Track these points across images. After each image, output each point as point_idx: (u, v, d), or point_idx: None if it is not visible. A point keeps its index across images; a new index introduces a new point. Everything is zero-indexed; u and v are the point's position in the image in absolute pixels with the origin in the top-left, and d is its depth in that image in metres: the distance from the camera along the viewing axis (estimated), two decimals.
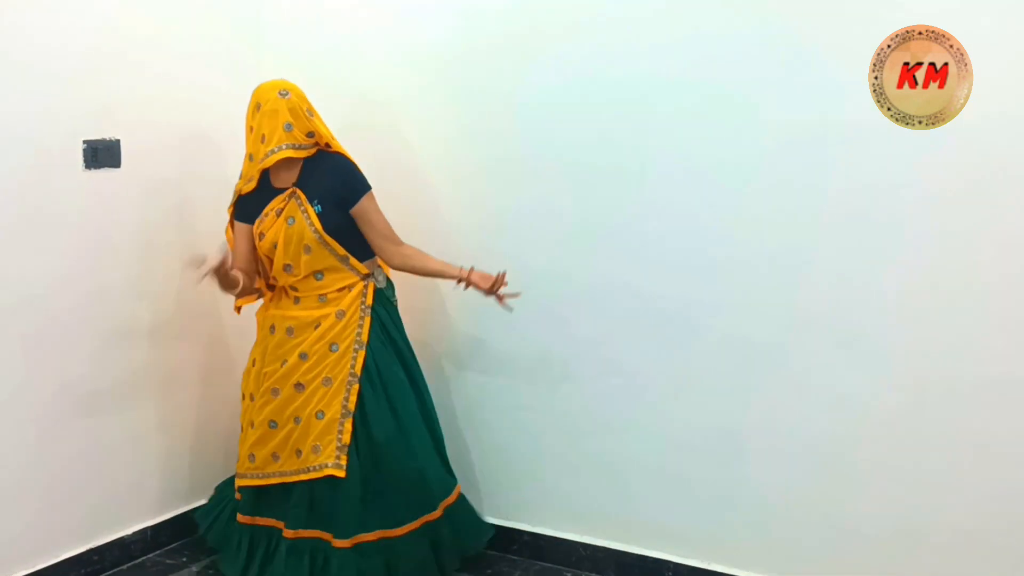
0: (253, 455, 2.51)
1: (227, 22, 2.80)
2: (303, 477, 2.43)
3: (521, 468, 2.77)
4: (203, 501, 2.81)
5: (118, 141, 2.48)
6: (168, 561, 2.74)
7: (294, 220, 2.37)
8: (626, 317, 2.56)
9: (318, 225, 2.38)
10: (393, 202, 2.54)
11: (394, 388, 2.48)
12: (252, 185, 2.42)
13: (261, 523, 2.53)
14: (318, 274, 2.45)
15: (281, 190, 2.41)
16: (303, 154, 2.38)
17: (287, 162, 2.39)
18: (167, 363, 2.75)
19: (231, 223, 2.53)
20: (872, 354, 2.30)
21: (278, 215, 2.40)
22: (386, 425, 2.44)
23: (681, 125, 2.42)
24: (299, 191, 2.39)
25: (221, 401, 2.91)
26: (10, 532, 2.36)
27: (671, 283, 2.49)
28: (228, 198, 2.55)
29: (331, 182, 2.40)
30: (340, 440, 2.40)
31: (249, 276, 2.51)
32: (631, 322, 2.56)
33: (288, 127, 2.34)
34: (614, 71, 2.47)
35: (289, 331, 2.46)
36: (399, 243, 2.50)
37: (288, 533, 2.45)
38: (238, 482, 2.57)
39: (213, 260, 2.26)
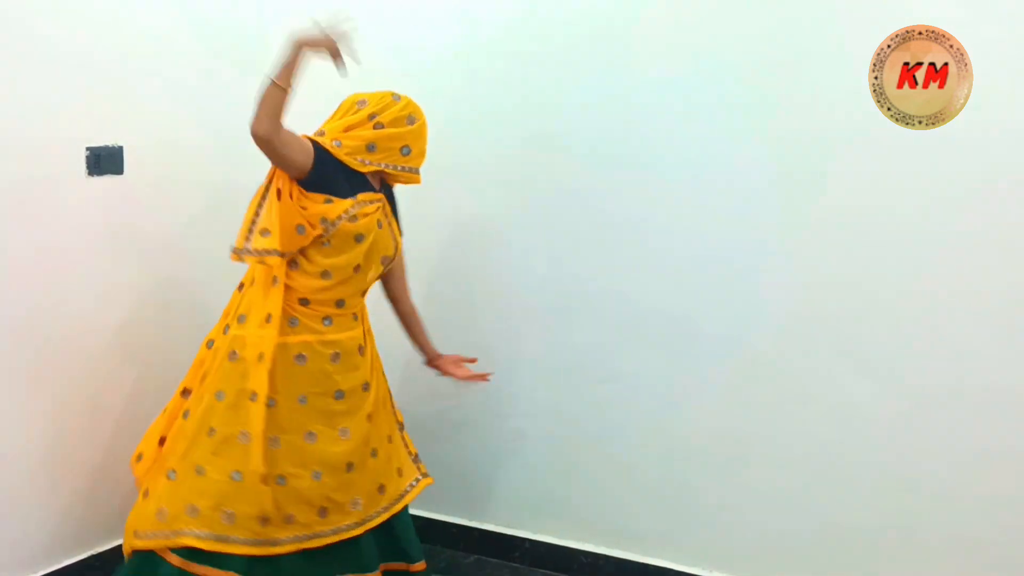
0: (292, 515, 2.13)
1: (231, 29, 2.82)
2: (401, 504, 2.33)
3: (522, 475, 2.75)
4: None
5: (121, 148, 2.50)
6: None
7: (382, 225, 2.23)
8: (627, 324, 2.55)
9: (399, 240, 2.30)
10: None
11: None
12: (365, 167, 2.18)
13: None
14: (365, 291, 2.29)
15: (371, 187, 2.23)
16: (402, 180, 2.28)
17: (378, 174, 2.25)
18: (171, 370, 2.75)
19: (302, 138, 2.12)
20: (873, 361, 2.28)
21: (375, 210, 2.21)
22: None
23: (681, 130, 2.42)
24: (386, 202, 2.26)
25: None
26: (12, 536, 2.37)
27: (672, 290, 2.48)
28: (230, 205, 2.55)
29: (395, 209, 2.32)
30: (410, 451, 2.41)
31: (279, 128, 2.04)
32: (632, 329, 2.54)
33: (406, 151, 2.23)
34: (615, 77, 2.46)
35: (335, 357, 2.18)
36: (408, 291, 2.46)
37: None
38: (265, 551, 2.10)
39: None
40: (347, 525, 2.21)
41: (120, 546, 2.58)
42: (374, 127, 2.19)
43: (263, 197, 2.14)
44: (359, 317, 2.28)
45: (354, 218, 2.14)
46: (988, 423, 2.18)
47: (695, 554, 2.54)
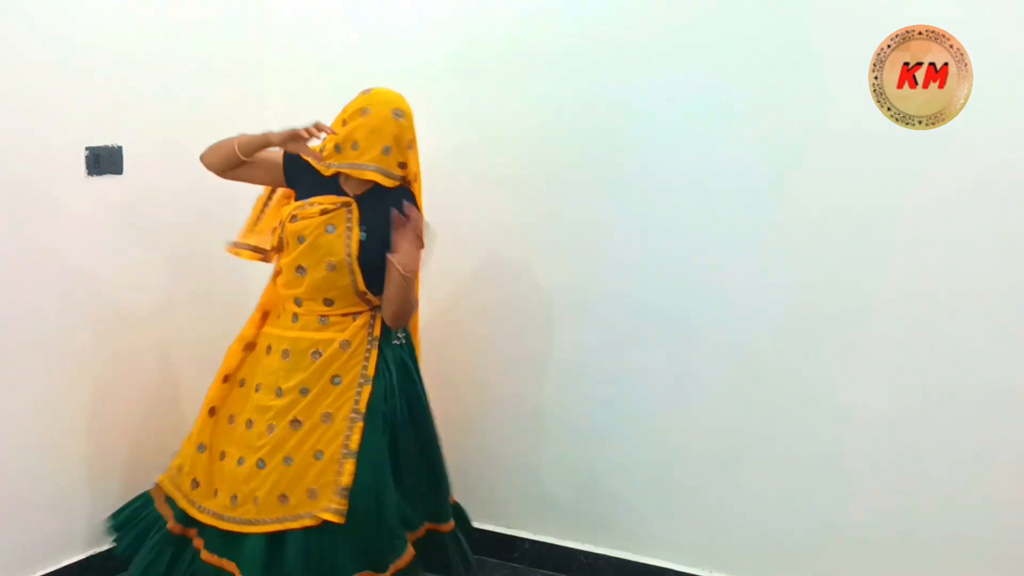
0: (218, 490, 2.24)
1: (231, 29, 2.82)
2: (290, 525, 2.12)
3: (522, 476, 2.75)
4: None
5: (120, 147, 2.50)
6: None
7: (334, 229, 2.18)
8: (627, 325, 2.55)
9: (355, 249, 2.17)
10: None
11: (384, 430, 2.24)
12: (327, 171, 2.19)
13: (216, 563, 2.21)
14: (328, 301, 2.22)
15: (340, 191, 2.21)
16: (389, 183, 2.17)
17: (361, 179, 2.19)
18: (170, 368, 2.75)
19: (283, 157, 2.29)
20: (872, 361, 2.28)
21: (322, 213, 2.18)
22: (370, 472, 2.17)
23: (681, 131, 2.41)
24: (355, 207, 2.19)
25: None
26: (12, 536, 2.37)
27: (671, 291, 2.48)
28: (229, 206, 2.55)
29: (380, 216, 2.19)
30: (339, 483, 2.13)
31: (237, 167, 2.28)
32: (632, 330, 2.54)
33: (387, 150, 2.14)
34: (615, 78, 2.46)
35: (285, 354, 2.23)
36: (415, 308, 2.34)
37: None
38: (193, 512, 2.25)
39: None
40: (234, 518, 2.20)
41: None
42: (342, 124, 2.18)
43: (267, 199, 2.34)
44: (330, 323, 2.21)
45: (294, 218, 2.20)
46: (988, 423, 2.18)
47: (695, 554, 2.54)
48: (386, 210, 2.16)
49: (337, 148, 2.18)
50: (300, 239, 2.19)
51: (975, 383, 2.18)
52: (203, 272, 2.78)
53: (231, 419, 2.30)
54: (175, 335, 2.75)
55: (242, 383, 2.33)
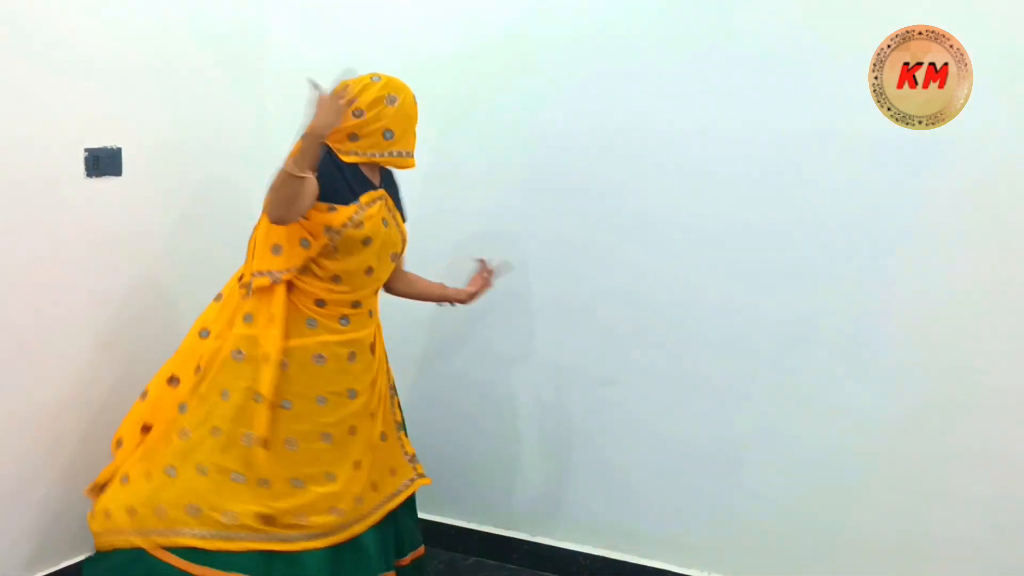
0: (270, 517, 2.07)
1: (231, 31, 2.81)
2: (396, 503, 2.28)
3: (520, 477, 2.74)
4: None
5: (119, 149, 2.50)
6: None
7: (387, 223, 2.16)
8: (627, 326, 2.54)
9: (406, 234, 2.24)
10: None
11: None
12: (349, 159, 2.08)
13: None
14: (379, 288, 2.26)
15: (373, 185, 2.15)
16: (396, 166, 2.17)
17: (375, 165, 2.14)
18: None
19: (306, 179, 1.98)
20: (872, 363, 2.27)
21: (378, 211, 2.14)
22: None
23: (681, 131, 2.40)
24: (388, 196, 2.18)
25: None
26: (12, 536, 2.37)
27: (671, 292, 2.47)
28: (229, 207, 2.56)
29: (397, 197, 2.26)
30: (406, 452, 2.34)
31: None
32: (631, 331, 2.54)
33: (388, 135, 2.10)
34: (615, 78, 2.46)
35: (351, 357, 2.16)
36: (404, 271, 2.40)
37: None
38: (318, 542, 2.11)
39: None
40: (349, 522, 2.17)
41: None
42: (353, 114, 2.06)
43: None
44: (373, 313, 2.27)
45: (359, 224, 2.08)
46: (988, 424, 2.17)
47: (695, 556, 2.54)
48: (393, 191, 2.24)
49: (352, 137, 2.07)
50: (367, 241, 2.10)
51: (975, 383, 2.17)
52: (203, 273, 2.77)
53: (289, 444, 2.09)
54: (176, 339, 2.74)
55: (286, 405, 2.09)
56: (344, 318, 2.15)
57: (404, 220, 2.27)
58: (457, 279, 2.66)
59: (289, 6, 2.87)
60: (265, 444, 2.06)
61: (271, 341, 2.07)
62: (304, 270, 2.11)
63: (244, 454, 2.07)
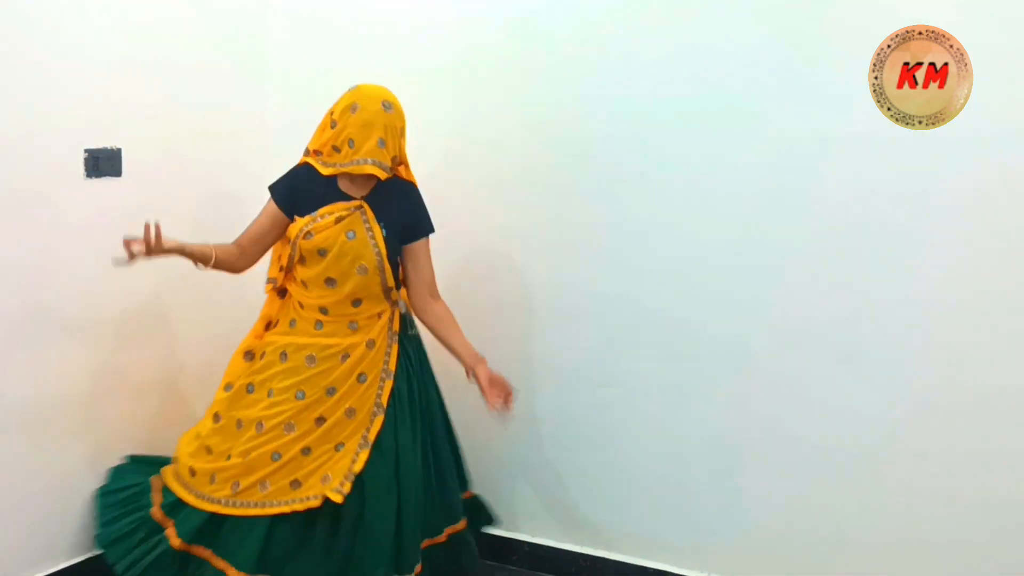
0: (214, 476, 2.28)
1: (232, 32, 2.82)
2: (296, 507, 2.20)
3: (521, 478, 2.74)
4: None
5: (119, 150, 2.50)
6: None
7: (355, 235, 2.20)
8: (626, 328, 2.54)
9: (383, 247, 2.22)
10: None
11: (412, 422, 2.33)
12: (326, 171, 2.21)
13: (197, 553, 2.28)
14: (356, 301, 2.27)
15: (347, 196, 2.23)
16: (384, 175, 2.17)
17: (364, 176, 2.21)
18: (169, 371, 2.75)
19: (271, 200, 2.30)
20: (872, 364, 2.27)
21: (337, 222, 2.20)
22: (385, 471, 2.25)
23: (682, 133, 2.41)
24: (367, 207, 2.21)
25: None
26: (12, 536, 2.37)
27: (672, 293, 2.47)
28: (229, 207, 2.56)
29: (400, 209, 2.26)
30: (351, 469, 2.21)
31: (243, 256, 2.33)
32: (631, 333, 2.54)
33: (381, 143, 2.14)
34: (616, 81, 2.46)
35: (310, 359, 2.26)
36: (436, 296, 2.38)
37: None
38: (197, 502, 2.29)
39: (137, 244, 2.10)
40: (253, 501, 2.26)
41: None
42: (331, 126, 2.20)
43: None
44: (360, 327, 2.27)
45: (308, 235, 2.22)
46: (988, 424, 2.17)
47: (695, 558, 2.53)
48: (395, 202, 2.25)
49: (336, 149, 2.20)
50: (322, 252, 2.21)
51: (975, 384, 2.17)
52: (203, 275, 2.77)
53: (238, 424, 2.31)
54: (175, 339, 2.75)
55: (249, 389, 2.32)
56: (318, 323, 2.28)
57: (418, 236, 2.30)
58: (454, 281, 2.66)
59: (290, 8, 2.87)
60: (215, 418, 2.34)
61: (247, 336, 2.39)
62: (291, 277, 2.32)
63: (216, 428, 2.35)
